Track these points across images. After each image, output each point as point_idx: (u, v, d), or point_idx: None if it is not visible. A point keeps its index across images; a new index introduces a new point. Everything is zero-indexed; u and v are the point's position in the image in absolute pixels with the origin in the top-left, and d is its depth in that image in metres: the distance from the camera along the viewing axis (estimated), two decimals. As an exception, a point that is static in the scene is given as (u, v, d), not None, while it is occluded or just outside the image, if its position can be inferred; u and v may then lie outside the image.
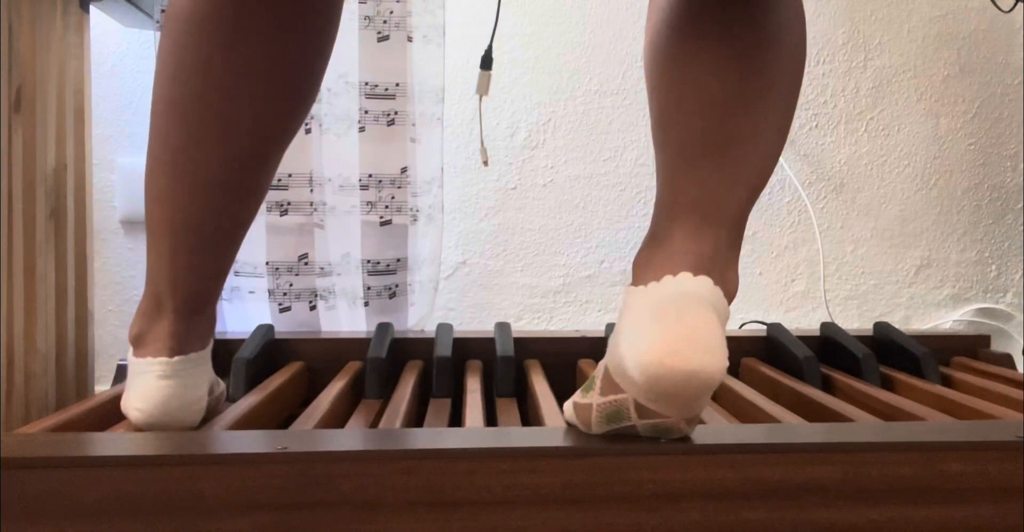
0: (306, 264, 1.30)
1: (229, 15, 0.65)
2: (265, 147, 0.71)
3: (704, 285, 0.61)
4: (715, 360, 0.57)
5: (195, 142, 0.69)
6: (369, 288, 1.32)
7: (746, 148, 0.66)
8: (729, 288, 0.64)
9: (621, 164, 1.56)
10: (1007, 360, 1.14)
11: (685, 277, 0.62)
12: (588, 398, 0.63)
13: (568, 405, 0.67)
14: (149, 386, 0.73)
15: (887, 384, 1.04)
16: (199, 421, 0.78)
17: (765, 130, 0.67)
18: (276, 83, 0.68)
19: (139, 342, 0.76)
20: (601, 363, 0.64)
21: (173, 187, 0.70)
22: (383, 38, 1.29)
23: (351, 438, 0.66)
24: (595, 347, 1.15)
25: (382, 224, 1.32)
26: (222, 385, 0.89)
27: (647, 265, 0.65)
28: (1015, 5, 1.50)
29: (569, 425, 0.67)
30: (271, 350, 1.12)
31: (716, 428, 0.76)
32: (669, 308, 0.59)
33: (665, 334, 0.57)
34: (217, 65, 0.66)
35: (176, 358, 0.75)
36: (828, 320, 1.38)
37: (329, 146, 1.31)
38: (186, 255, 0.73)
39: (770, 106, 0.67)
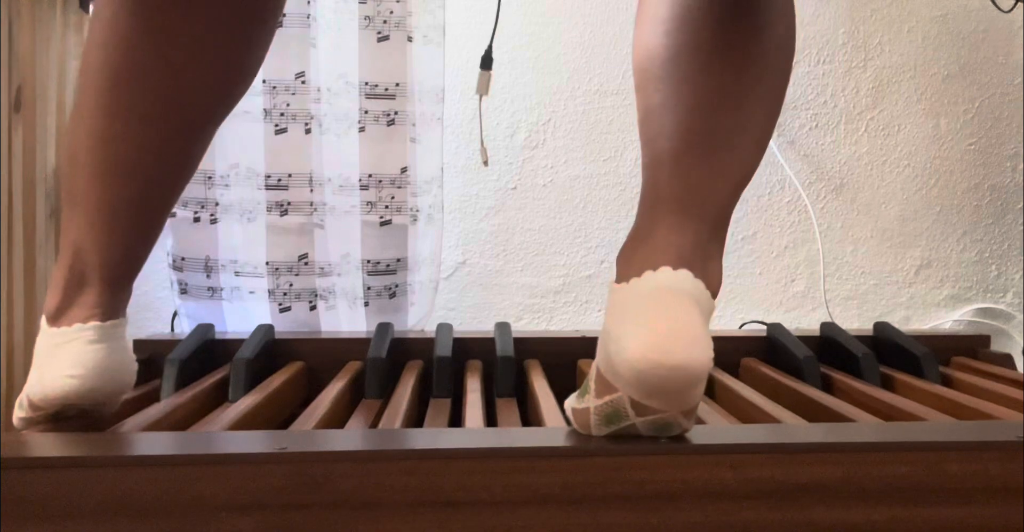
0: (306, 264, 1.30)
1: None
2: (200, 120, 0.72)
3: (684, 279, 0.61)
4: (699, 352, 0.57)
5: (126, 111, 0.68)
6: (369, 288, 1.32)
7: (731, 143, 0.66)
8: (712, 281, 0.64)
9: (621, 164, 1.56)
10: (1007, 360, 1.14)
11: (665, 272, 0.62)
12: (585, 402, 0.63)
13: (568, 406, 0.67)
14: (80, 351, 0.71)
15: (887, 384, 1.04)
16: (132, 384, 0.75)
17: (751, 125, 0.67)
18: (216, 52, 0.69)
19: (59, 314, 0.74)
20: (593, 364, 0.64)
21: (105, 158, 0.70)
22: (383, 38, 1.29)
23: (351, 438, 0.66)
24: (595, 347, 1.15)
25: (382, 224, 1.32)
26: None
27: (629, 261, 0.64)
28: (1015, 5, 1.50)
29: (569, 425, 0.67)
30: (271, 350, 1.12)
31: (716, 428, 0.76)
32: (650, 304, 0.60)
33: (647, 330, 0.58)
34: (152, 33, 0.66)
35: (108, 322, 0.73)
36: (828, 320, 1.38)
37: (329, 146, 1.31)
38: (119, 226, 0.72)
39: (756, 101, 0.67)
